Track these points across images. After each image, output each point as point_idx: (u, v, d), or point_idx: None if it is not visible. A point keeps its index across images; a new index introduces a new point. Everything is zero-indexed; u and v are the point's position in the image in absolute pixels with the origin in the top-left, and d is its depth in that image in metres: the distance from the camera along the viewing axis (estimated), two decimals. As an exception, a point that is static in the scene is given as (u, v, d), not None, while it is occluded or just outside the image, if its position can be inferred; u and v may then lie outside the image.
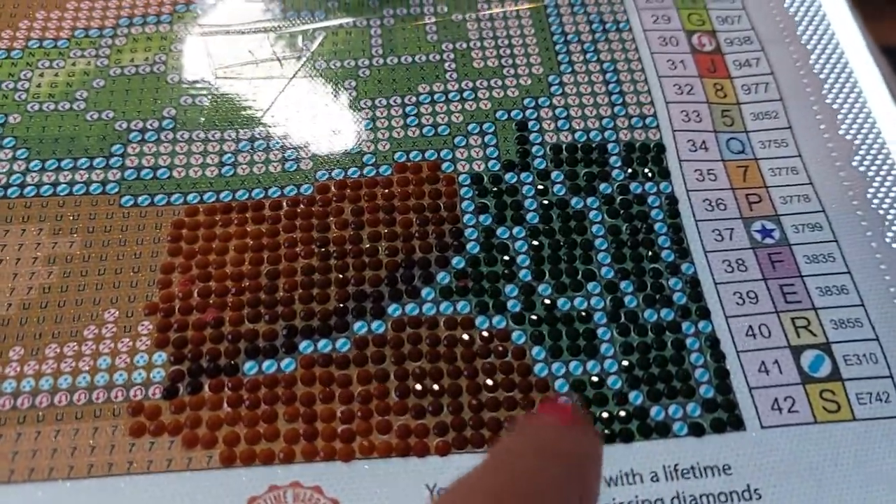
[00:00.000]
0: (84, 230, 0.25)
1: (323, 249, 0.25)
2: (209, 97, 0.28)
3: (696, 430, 0.22)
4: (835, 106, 0.28)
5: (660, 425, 0.22)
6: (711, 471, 0.21)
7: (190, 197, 0.26)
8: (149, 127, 0.27)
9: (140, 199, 0.26)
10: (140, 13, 0.30)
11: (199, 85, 0.28)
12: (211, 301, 0.24)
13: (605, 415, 0.22)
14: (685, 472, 0.21)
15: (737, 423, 0.22)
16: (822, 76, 0.29)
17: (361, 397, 0.22)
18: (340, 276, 0.24)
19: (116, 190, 0.26)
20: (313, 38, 0.29)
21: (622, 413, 0.22)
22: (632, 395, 0.22)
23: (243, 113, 0.28)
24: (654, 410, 0.22)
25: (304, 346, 0.23)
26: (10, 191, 0.26)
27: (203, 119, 0.28)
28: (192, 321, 0.24)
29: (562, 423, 0.16)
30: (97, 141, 0.27)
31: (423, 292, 0.24)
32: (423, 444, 0.22)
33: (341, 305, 0.24)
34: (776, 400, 0.22)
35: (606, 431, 0.22)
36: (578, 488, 0.15)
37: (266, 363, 0.23)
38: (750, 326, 0.24)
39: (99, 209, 0.26)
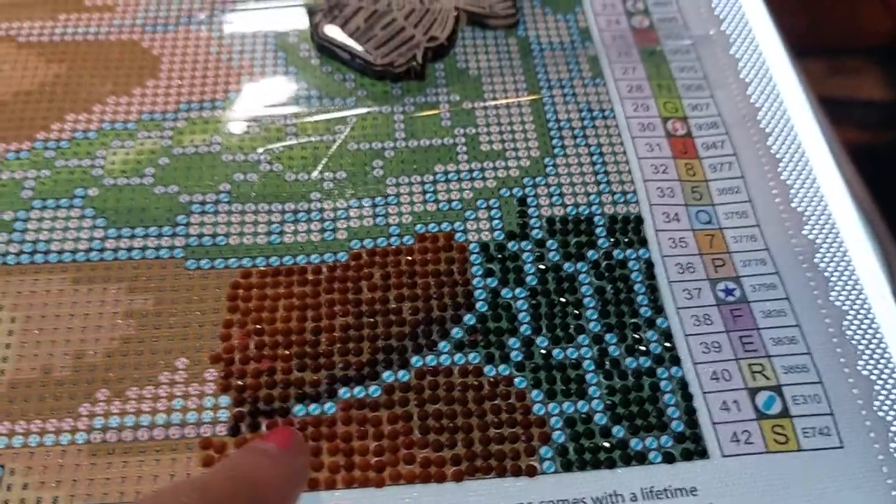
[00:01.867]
0: (156, 289, 0.30)
1: (357, 309, 0.30)
2: (258, 174, 0.33)
3: (669, 458, 0.27)
4: (788, 182, 0.33)
5: (638, 454, 0.27)
6: (681, 492, 0.26)
7: (244, 261, 0.31)
8: (207, 200, 0.32)
9: (202, 262, 0.31)
10: (197, 99, 0.35)
11: (248, 163, 0.33)
12: (265, 353, 0.29)
13: (592, 445, 0.27)
14: (659, 493, 0.26)
15: (702, 453, 0.27)
16: (777, 156, 0.34)
17: (390, 434, 0.27)
18: (371, 332, 0.29)
19: (182, 255, 0.31)
20: (345, 122, 0.34)
21: (606, 444, 0.27)
22: (615, 429, 0.27)
23: (287, 188, 0.33)
24: (633, 442, 0.27)
25: (343, 392, 0.28)
26: (91, 255, 0.31)
27: (254, 193, 0.32)
28: (249, 370, 0.28)
29: (281, 446, 0.22)
30: (164, 212, 0.32)
31: (440, 345, 0.29)
32: (441, 473, 0.26)
33: (372, 357, 0.29)
34: (735, 433, 0.27)
35: (594, 458, 0.27)
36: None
37: (312, 406, 0.28)
38: (714, 371, 0.28)
39: (167, 271, 0.30)
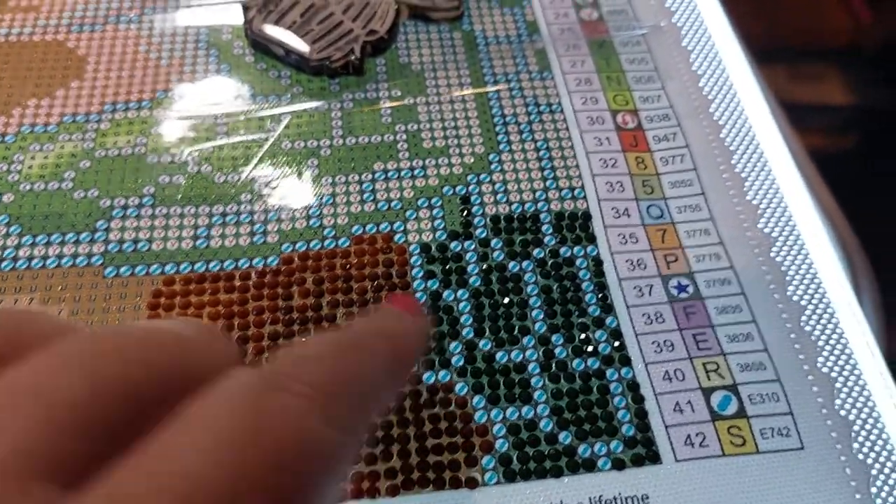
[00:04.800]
0: (71, 299, 0.28)
1: (287, 317, 0.28)
2: (185, 176, 0.31)
3: (619, 465, 0.25)
4: (743, 174, 0.32)
5: (586, 461, 0.25)
6: (632, 500, 0.24)
7: (167, 268, 0.29)
8: (130, 204, 0.30)
9: (122, 269, 0.29)
10: (122, 100, 0.33)
11: (175, 164, 0.31)
12: (186, 361, 0.27)
13: (537, 454, 0.25)
14: (608, 502, 0.24)
15: (654, 458, 0.25)
16: (731, 147, 0.33)
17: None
18: (303, 340, 0.27)
19: (101, 262, 0.29)
20: (279, 120, 0.33)
21: (552, 451, 0.25)
22: (561, 435, 0.25)
23: (216, 190, 0.31)
24: (581, 448, 0.25)
25: (271, 400, 0.26)
26: (3, 264, 0.29)
27: (180, 196, 0.31)
28: (169, 380, 0.26)
29: (408, 312, 0.18)
30: (83, 217, 0.30)
31: (378, 349, 0.27)
32: (373, 488, 0.24)
33: (304, 363, 0.27)
34: (689, 436, 0.25)
35: (539, 467, 0.25)
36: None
37: (236, 416, 0.26)
38: (666, 371, 0.27)
39: (85, 279, 0.28)
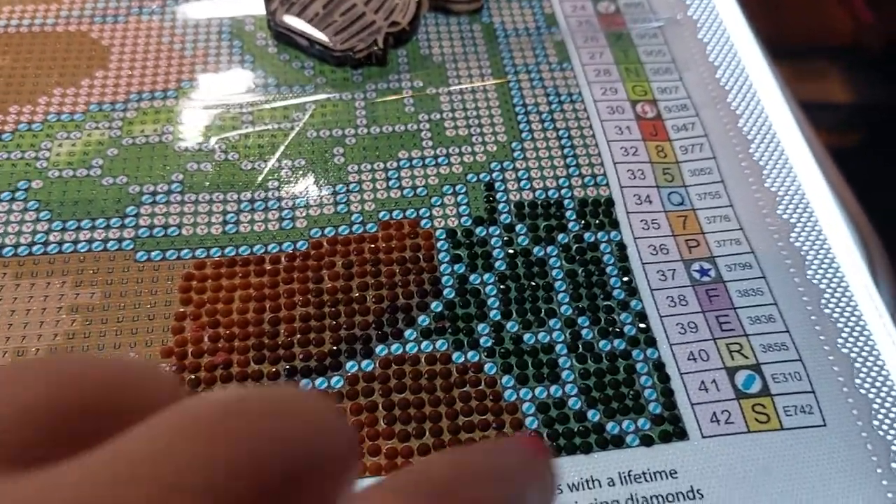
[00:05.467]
0: (103, 283, 0.28)
1: (318, 299, 0.28)
2: (212, 163, 0.32)
3: (646, 441, 0.25)
4: (760, 161, 0.33)
5: (615, 438, 0.25)
6: (660, 475, 0.25)
7: (198, 252, 0.29)
8: (159, 190, 0.31)
9: (153, 254, 0.29)
10: (148, 89, 0.34)
11: (203, 152, 0.32)
12: (220, 345, 0.27)
13: (566, 430, 0.25)
14: (637, 477, 0.25)
15: (681, 434, 0.25)
16: (749, 136, 0.34)
17: (355, 425, 0.26)
18: (333, 321, 0.28)
19: (131, 247, 0.29)
20: (304, 110, 0.33)
21: (582, 429, 0.25)
22: (590, 413, 0.26)
23: (243, 177, 0.31)
24: (609, 425, 0.26)
25: (304, 383, 0.26)
26: (34, 248, 0.29)
27: (207, 183, 0.31)
28: (203, 363, 0.27)
29: (532, 454, 0.14)
30: (112, 203, 0.30)
31: (406, 333, 0.28)
32: (407, 464, 0.25)
33: (335, 347, 0.27)
34: (714, 413, 0.26)
35: (569, 443, 0.25)
36: None
37: (270, 396, 0.26)
38: (691, 352, 0.27)
39: (116, 264, 0.29)
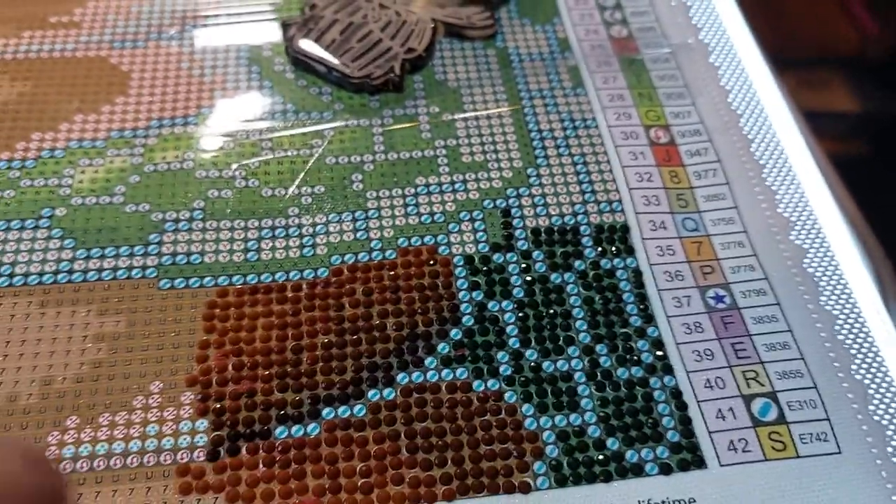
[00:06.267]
0: (127, 311, 0.29)
1: (339, 327, 0.29)
2: (233, 190, 0.32)
3: (665, 470, 0.26)
4: (773, 187, 0.33)
5: (634, 466, 0.26)
6: (679, 503, 0.25)
7: (220, 280, 0.30)
8: (181, 217, 0.31)
9: (176, 281, 0.29)
10: (169, 115, 0.34)
11: (223, 179, 0.32)
12: (244, 373, 0.27)
13: (586, 459, 0.26)
14: (657, 506, 0.25)
15: (699, 462, 0.26)
16: (761, 161, 0.34)
17: (377, 455, 0.26)
18: (355, 349, 0.28)
19: (155, 274, 0.30)
20: (323, 136, 0.34)
21: (601, 457, 0.26)
22: (609, 441, 0.26)
23: (264, 204, 0.32)
24: (628, 454, 0.26)
25: (327, 412, 0.27)
26: (59, 276, 0.29)
27: (229, 210, 0.31)
28: (228, 392, 0.27)
29: None
30: (135, 231, 0.31)
31: (427, 361, 0.28)
32: (431, 493, 0.25)
33: (357, 376, 0.28)
34: (732, 441, 0.26)
35: (589, 472, 0.26)
36: None
37: (294, 428, 0.26)
38: (707, 379, 0.28)
39: (140, 291, 0.29)
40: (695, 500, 0.25)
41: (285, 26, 0.36)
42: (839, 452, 0.26)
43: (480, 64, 0.36)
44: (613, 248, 0.31)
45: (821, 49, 0.81)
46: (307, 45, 0.35)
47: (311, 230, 0.31)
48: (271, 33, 0.37)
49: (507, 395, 0.27)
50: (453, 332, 0.29)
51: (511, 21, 0.38)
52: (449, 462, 0.26)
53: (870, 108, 0.76)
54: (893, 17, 0.83)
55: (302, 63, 0.35)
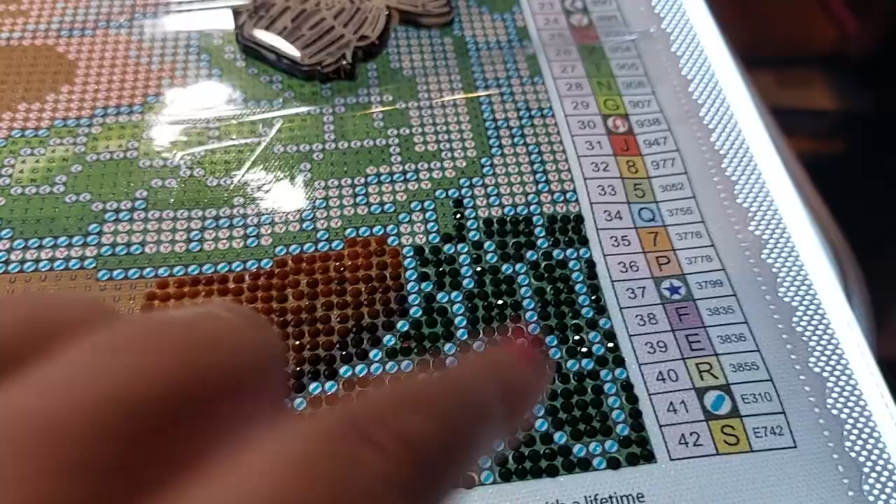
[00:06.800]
0: (63, 303, 0.28)
1: (281, 319, 0.28)
2: (177, 180, 0.31)
3: (614, 464, 0.25)
4: (733, 178, 0.32)
5: (581, 461, 0.25)
6: (627, 499, 0.24)
7: (161, 271, 0.29)
8: (122, 207, 0.30)
9: (115, 272, 0.29)
10: (114, 104, 0.33)
11: (168, 168, 0.31)
12: (180, 365, 0.26)
13: (532, 453, 0.25)
14: (604, 500, 0.24)
15: (649, 457, 0.25)
16: (721, 151, 0.33)
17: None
18: (297, 342, 0.27)
19: (94, 265, 0.29)
20: (271, 125, 0.33)
21: (548, 451, 0.25)
22: (556, 435, 0.25)
23: (209, 194, 0.31)
24: (576, 448, 0.25)
25: (265, 403, 0.26)
26: (-6, 269, 0.28)
27: (172, 200, 0.30)
28: (163, 383, 0.26)
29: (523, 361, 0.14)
30: (75, 221, 0.30)
31: (372, 354, 0.27)
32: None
33: (298, 369, 0.27)
34: (683, 435, 0.26)
35: (535, 466, 0.25)
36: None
37: (230, 419, 0.26)
38: (660, 372, 0.27)
39: (78, 283, 0.28)
40: (643, 496, 0.24)
41: (236, 13, 0.35)
42: (795, 447, 0.26)
43: (436, 52, 0.36)
44: (566, 239, 0.30)
45: (800, 47, 0.81)
46: (258, 33, 0.34)
47: (256, 220, 0.30)
48: (222, 21, 0.36)
49: (452, 389, 0.26)
50: (400, 323, 0.28)
51: (469, 9, 0.37)
52: (390, 457, 0.25)
53: (847, 105, 0.76)
54: (873, 16, 0.82)
55: (252, 51, 0.34)
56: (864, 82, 0.78)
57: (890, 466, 0.26)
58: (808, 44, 0.80)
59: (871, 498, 0.25)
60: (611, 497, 0.24)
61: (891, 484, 0.25)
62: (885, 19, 0.81)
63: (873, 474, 0.25)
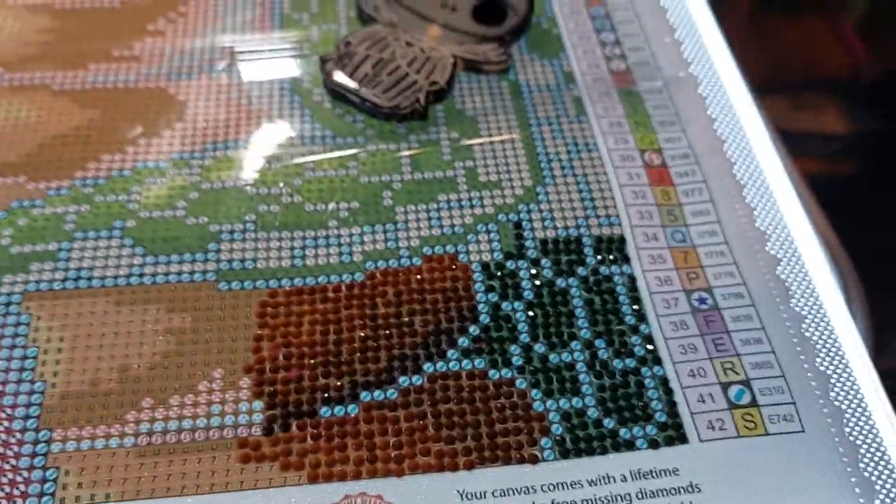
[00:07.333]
0: (191, 309, 0.33)
1: (374, 323, 0.33)
2: (280, 206, 0.37)
3: (653, 445, 0.30)
4: (752, 204, 0.38)
5: (627, 441, 0.30)
6: (664, 472, 0.29)
7: (271, 282, 0.34)
8: (235, 229, 0.36)
9: (233, 284, 0.34)
10: (221, 139, 0.39)
11: (271, 196, 0.37)
12: (293, 362, 0.32)
13: (586, 435, 0.30)
14: (645, 474, 0.29)
15: (682, 439, 0.30)
16: (742, 181, 0.38)
17: (407, 431, 0.30)
18: (387, 342, 0.33)
19: (214, 278, 0.34)
20: (357, 159, 0.38)
21: (599, 434, 0.30)
22: (605, 420, 0.31)
23: (307, 218, 0.36)
24: (622, 431, 0.30)
25: (364, 395, 0.31)
26: (131, 279, 0.34)
27: (277, 222, 0.36)
28: (279, 378, 0.31)
29: None
30: (196, 240, 0.35)
31: (449, 353, 0.32)
32: (453, 462, 0.30)
33: (389, 364, 0.32)
34: (710, 421, 0.31)
35: (588, 446, 0.30)
36: None
37: (336, 408, 0.31)
38: (691, 369, 0.32)
39: (201, 293, 0.34)
40: (678, 470, 0.29)
41: (323, 61, 0.41)
42: (803, 431, 0.31)
43: (495, 95, 0.41)
44: (611, 257, 0.35)
45: (813, 73, 0.85)
46: (342, 79, 0.40)
47: (348, 240, 0.36)
48: (310, 67, 0.42)
49: (518, 382, 0.32)
50: (472, 328, 0.33)
51: (522, 56, 0.43)
52: (469, 437, 0.30)
53: (859, 129, 0.81)
54: (882, 43, 0.87)
55: (338, 94, 0.40)
56: (874, 106, 0.82)
57: (882, 448, 0.30)
58: (820, 70, 0.85)
59: (865, 474, 0.30)
60: (651, 471, 0.29)
61: (883, 462, 0.30)
62: (895, 46, 0.86)
63: (868, 454, 0.30)
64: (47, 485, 0.29)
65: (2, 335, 0.32)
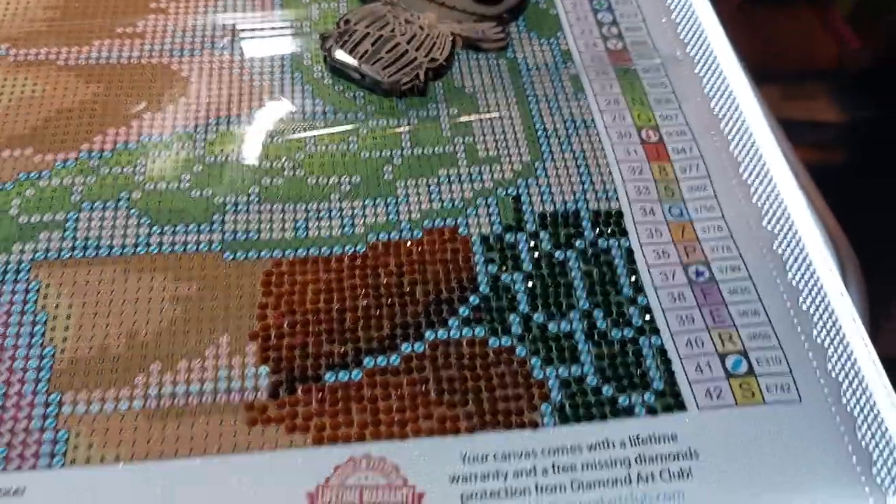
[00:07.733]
0: (198, 278, 0.34)
1: (376, 292, 0.34)
2: (283, 179, 0.37)
3: (652, 412, 0.31)
4: (748, 181, 0.38)
5: (626, 408, 0.31)
6: (663, 438, 0.30)
7: (275, 253, 0.35)
8: (239, 201, 0.36)
9: (238, 254, 0.34)
10: (224, 114, 0.39)
11: (274, 169, 0.37)
12: (297, 329, 0.32)
13: (585, 402, 0.31)
14: (644, 439, 0.30)
15: (681, 406, 0.31)
16: (738, 158, 0.39)
17: (410, 396, 0.31)
18: (390, 311, 0.33)
19: (220, 248, 0.35)
20: (357, 134, 0.39)
21: (597, 401, 0.31)
22: (604, 388, 0.31)
23: (309, 191, 0.37)
24: (621, 398, 0.31)
25: (367, 361, 0.32)
26: (138, 249, 0.34)
27: (280, 195, 0.37)
28: (284, 344, 0.32)
29: None
30: (201, 211, 0.36)
31: (450, 322, 0.33)
32: (455, 426, 0.30)
33: (391, 332, 0.33)
34: (708, 390, 0.31)
35: (587, 412, 0.31)
36: None
37: (341, 373, 0.31)
38: (688, 339, 0.33)
39: (207, 262, 0.34)
40: (676, 436, 0.30)
41: (323, 38, 0.41)
42: (800, 401, 0.31)
43: (493, 72, 0.42)
44: (609, 230, 0.36)
45: (805, 63, 0.86)
46: (342, 56, 0.40)
47: (350, 212, 0.36)
48: (311, 45, 0.42)
49: (517, 350, 0.32)
50: (472, 298, 0.34)
51: (520, 35, 0.43)
52: (470, 403, 0.31)
53: (848, 117, 0.82)
54: (873, 32, 0.88)
55: (338, 71, 0.40)
56: (864, 94, 0.83)
57: (879, 419, 0.31)
58: (811, 59, 0.86)
59: (863, 444, 0.30)
60: (650, 436, 0.30)
61: (879, 432, 0.31)
62: (885, 36, 0.87)
63: (865, 423, 0.31)
64: (58, 445, 0.29)
65: (12, 301, 0.32)
